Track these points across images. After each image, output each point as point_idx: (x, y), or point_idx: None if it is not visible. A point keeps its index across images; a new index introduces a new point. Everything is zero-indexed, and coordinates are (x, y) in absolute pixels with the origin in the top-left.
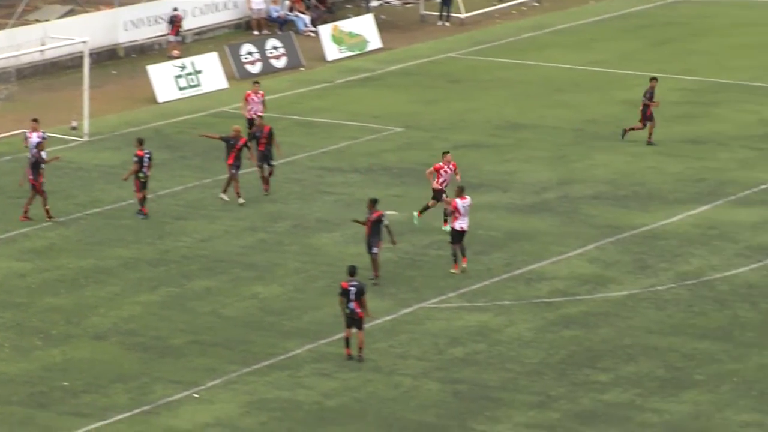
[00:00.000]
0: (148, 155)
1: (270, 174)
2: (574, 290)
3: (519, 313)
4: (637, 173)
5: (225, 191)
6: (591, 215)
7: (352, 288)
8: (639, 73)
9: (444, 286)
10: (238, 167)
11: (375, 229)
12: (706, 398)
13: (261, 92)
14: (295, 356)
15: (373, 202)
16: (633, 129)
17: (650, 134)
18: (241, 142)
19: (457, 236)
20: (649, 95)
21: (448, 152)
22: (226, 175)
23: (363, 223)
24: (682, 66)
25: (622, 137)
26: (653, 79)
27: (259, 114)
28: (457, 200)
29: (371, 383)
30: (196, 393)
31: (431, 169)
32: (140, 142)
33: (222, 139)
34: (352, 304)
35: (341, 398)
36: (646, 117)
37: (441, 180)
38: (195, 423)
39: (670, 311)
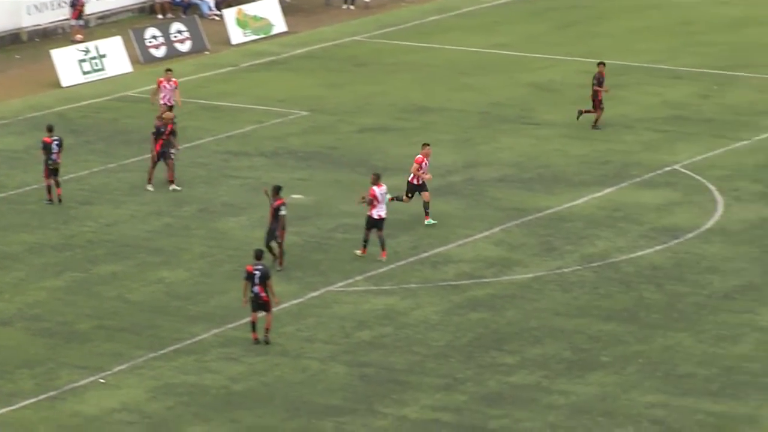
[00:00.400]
0: (57, 142)
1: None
2: (481, 273)
3: (425, 296)
4: (542, 156)
5: (150, 180)
6: (497, 198)
7: (257, 272)
8: (544, 56)
9: (350, 269)
10: (164, 154)
11: (276, 216)
12: (612, 380)
13: (174, 80)
14: (201, 341)
15: (277, 190)
16: (588, 112)
17: (596, 120)
18: (168, 128)
19: (375, 223)
20: (598, 81)
21: (428, 144)
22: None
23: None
24: (587, 49)
25: (577, 118)
26: (600, 63)
27: (170, 104)
28: (375, 188)
29: (278, 367)
30: (102, 378)
31: (415, 165)
32: (49, 129)
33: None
34: (257, 288)
35: (248, 382)
36: (597, 103)
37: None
38: (101, 408)
39: (575, 293)
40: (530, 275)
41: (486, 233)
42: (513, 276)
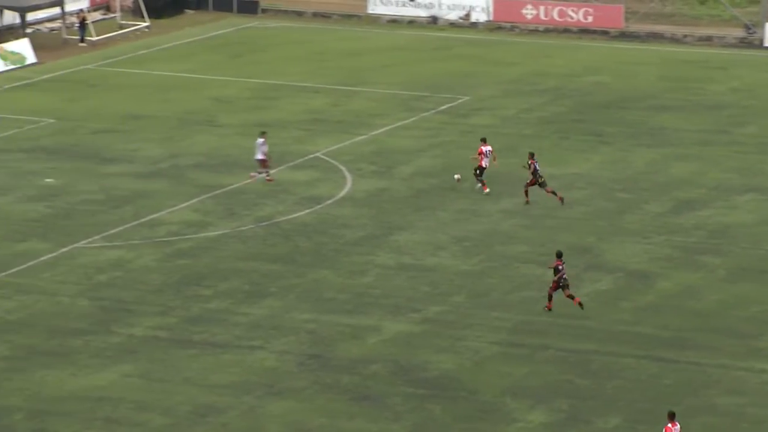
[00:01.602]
0: None
1: None
2: (184, 231)
3: (145, 249)
4: (224, 148)
5: None
6: (193, 178)
7: None
8: (221, 78)
9: (90, 231)
10: None
11: None
12: (278, 304)
13: None
14: None
15: None
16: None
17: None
18: None
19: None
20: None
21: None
22: None
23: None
24: (251, 72)
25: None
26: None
27: None
28: (483, 147)
29: (40, 303)
30: None
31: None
32: None
33: None
34: None
35: (18, 314)
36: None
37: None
38: None
39: (250, 244)
40: (219, 232)
41: (187, 204)
42: (206, 233)
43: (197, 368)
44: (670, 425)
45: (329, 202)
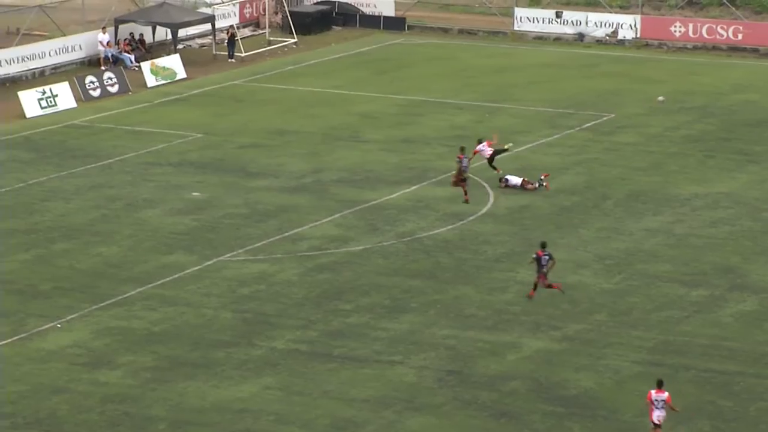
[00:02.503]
0: None
1: None
2: (326, 246)
3: (288, 263)
4: (367, 164)
5: None
6: (336, 193)
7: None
8: (366, 93)
9: (234, 245)
10: None
11: None
12: (418, 320)
13: None
14: (129, 296)
15: None
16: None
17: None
18: None
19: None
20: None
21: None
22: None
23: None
24: (396, 88)
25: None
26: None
27: None
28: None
29: (184, 315)
30: (59, 324)
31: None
32: None
33: None
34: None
35: (163, 325)
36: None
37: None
38: (59, 345)
39: (392, 259)
40: (360, 247)
41: (329, 218)
42: (348, 248)
43: (337, 382)
44: (653, 392)
45: (471, 218)
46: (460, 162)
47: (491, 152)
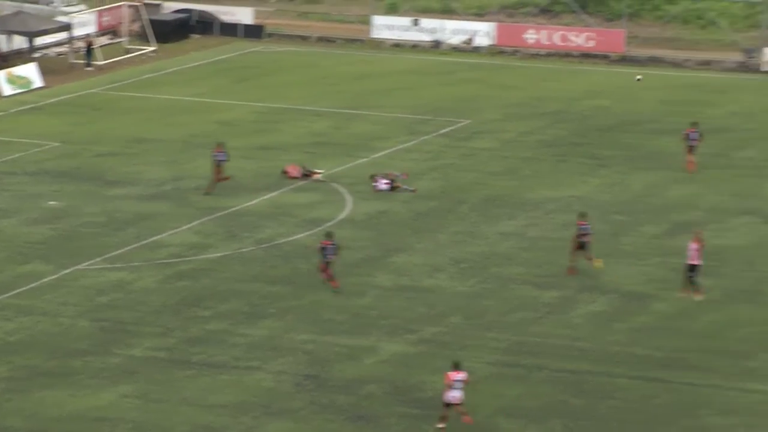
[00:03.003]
0: None
1: None
2: (185, 253)
3: (146, 271)
4: (227, 171)
5: None
6: (195, 201)
7: None
8: (226, 101)
9: (92, 253)
10: None
11: None
12: (277, 325)
13: None
14: None
15: None
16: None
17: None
18: None
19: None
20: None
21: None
22: None
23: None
24: (256, 95)
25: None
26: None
27: None
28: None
29: (40, 324)
30: None
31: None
32: None
33: None
34: None
35: (19, 335)
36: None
37: None
38: None
39: (251, 266)
40: (219, 254)
41: (188, 226)
42: (207, 255)
43: (195, 389)
44: (452, 373)
45: (329, 224)
46: (216, 156)
47: (300, 174)
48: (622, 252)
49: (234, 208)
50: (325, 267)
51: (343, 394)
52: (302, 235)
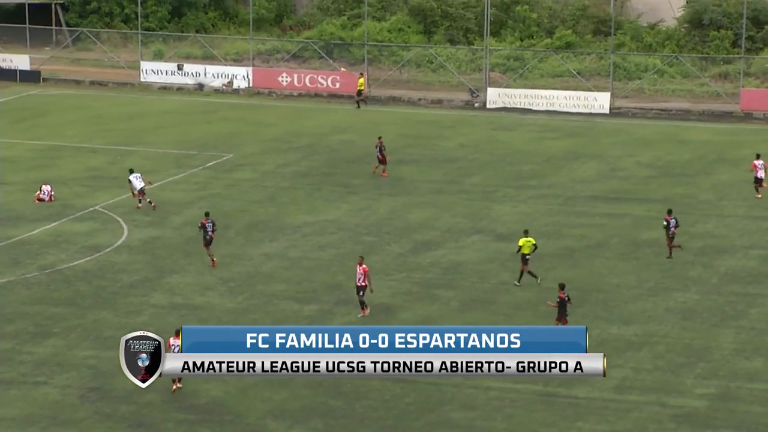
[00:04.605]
0: None
1: None
2: None
3: None
4: (9, 203)
5: None
6: None
7: None
8: (5, 140)
9: None
10: None
11: None
12: (61, 343)
13: None
14: None
15: None
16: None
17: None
18: None
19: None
20: (379, 148)
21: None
22: None
23: None
24: (34, 134)
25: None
26: (379, 137)
27: None
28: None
29: None
30: None
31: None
32: None
33: None
34: None
35: None
36: (381, 159)
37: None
38: None
39: (35, 290)
40: (4, 280)
41: None
42: None
43: None
44: (172, 339)
45: (108, 250)
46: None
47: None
48: (372, 269)
49: (17, 238)
50: (207, 244)
51: (124, 404)
52: (82, 260)
